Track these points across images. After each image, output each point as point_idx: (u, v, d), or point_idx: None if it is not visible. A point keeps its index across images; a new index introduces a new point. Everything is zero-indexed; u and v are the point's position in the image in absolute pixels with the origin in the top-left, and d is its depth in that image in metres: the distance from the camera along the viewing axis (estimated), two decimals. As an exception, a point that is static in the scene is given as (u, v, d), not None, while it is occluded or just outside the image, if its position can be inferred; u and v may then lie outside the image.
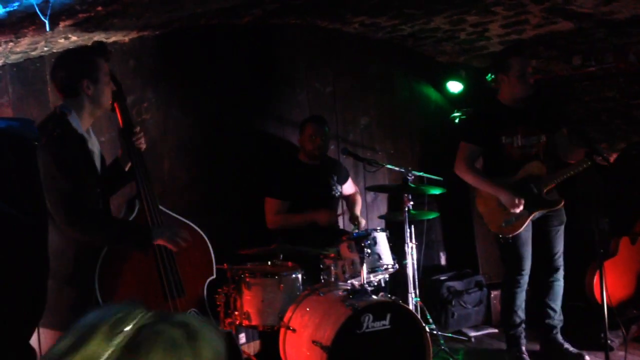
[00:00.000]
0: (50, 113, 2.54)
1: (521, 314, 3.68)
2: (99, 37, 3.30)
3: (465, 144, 3.62)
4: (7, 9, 2.17)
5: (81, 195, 2.39)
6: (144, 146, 2.74)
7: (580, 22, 3.77)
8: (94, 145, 2.56)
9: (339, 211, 4.13)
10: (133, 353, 0.83)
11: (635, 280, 4.33)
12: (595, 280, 4.08)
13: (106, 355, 0.82)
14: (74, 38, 3.13)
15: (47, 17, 2.22)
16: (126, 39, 3.64)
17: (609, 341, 3.14)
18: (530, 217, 3.47)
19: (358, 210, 4.23)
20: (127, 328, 0.85)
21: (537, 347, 3.82)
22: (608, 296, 3.11)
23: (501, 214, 3.49)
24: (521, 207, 3.41)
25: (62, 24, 2.76)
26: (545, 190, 3.45)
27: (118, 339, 0.84)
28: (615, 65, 4.05)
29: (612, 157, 4.48)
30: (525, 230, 3.52)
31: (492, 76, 4.71)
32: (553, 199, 3.46)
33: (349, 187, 4.28)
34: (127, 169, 2.75)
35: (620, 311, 4.05)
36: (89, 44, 2.74)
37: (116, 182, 2.78)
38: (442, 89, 4.99)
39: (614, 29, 3.83)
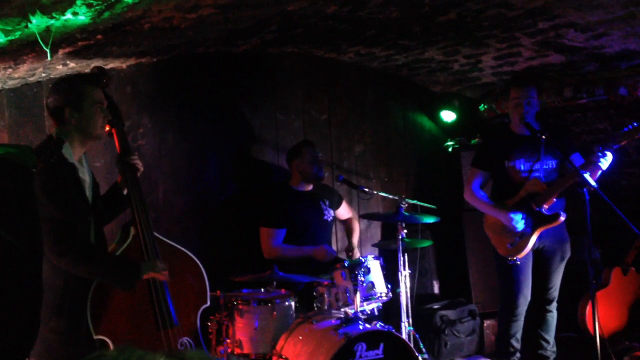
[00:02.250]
0: (45, 139, 2.53)
1: (516, 343, 3.69)
2: (96, 63, 3.33)
3: (472, 169, 3.83)
4: (9, 37, 2.20)
5: (71, 225, 2.38)
6: (141, 168, 2.74)
7: (571, 55, 3.85)
8: (85, 174, 2.55)
9: (333, 236, 4.13)
10: None
11: (628, 311, 4.33)
12: (587, 311, 4.09)
13: None
14: (72, 64, 3.16)
15: (49, 46, 2.24)
16: (124, 65, 3.68)
17: (601, 373, 3.14)
18: (534, 235, 3.50)
19: (355, 239, 4.24)
20: None
21: (530, 377, 3.81)
22: (600, 327, 3.12)
23: (507, 236, 3.56)
24: (521, 225, 3.46)
25: (61, 52, 2.79)
26: (545, 206, 3.48)
27: None
28: (606, 97, 4.12)
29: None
30: (526, 258, 3.56)
31: (485, 106, 4.81)
32: (553, 215, 3.50)
33: (344, 212, 4.29)
34: (125, 193, 2.75)
35: (612, 342, 4.05)
36: (85, 71, 2.76)
37: (115, 208, 2.78)
38: (435, 118, 5.04)
39: (604, 62, 3.90)
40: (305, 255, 3.84)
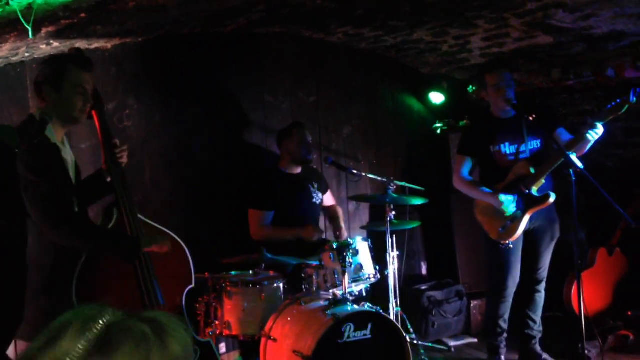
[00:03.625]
0: (26, 118, 2.46)
1: (503, 324, 3.73)
2: (80, 43, 3.28)
3: (458, 156, 3.83)
4: (-11, 15, 2.15)
5: (63, 197, 2.36)
6: (125, 161, 2.73)
7: (559, 36, 3.85)
8: (68, 154, 2.53)
9: (322, 220, 4.14)
10: (103, 348, 0.86)
11: (612, 291, 4.39)
12: (573, 291, 4.14)
13: (77, 350, 0.85)
14: (55, 44, 3.11)
15: (31, 24, 2.20)
16: (108, 45, 3.62)
17: (586, 351, 3.18)
18: (525, 217, 3.52)
19: (341, 222, 4.24)
20: (98, 325, 0.88)
21: (516, 357, 3.86)
22: (585, 307, 3.16)
23: (498, 221, 3.57)
24: (509, 205, 3.48)
25: (44, 30, 2.74)
26: (535, 188, 3.50)
27: (89, 336, 0.86)
28: (593, 79, 4.13)
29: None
30: (517, 240, 3.58)
31: (474, 88, 4.81)
32: (543, 196, 3.51)
33: (328, 198, 4.29)
34: (109, 180, 2.73)
35: (597, 322, 4.11)
36: (67, 51, 2.71)
37: (97, 192, 2.76)
38: (424, 99, 5.03)
39: (592, 43, 3.91)
40: (293, 235, 3.84)
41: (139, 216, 2.67)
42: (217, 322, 3.26)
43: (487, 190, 3.62)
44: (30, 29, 2.24)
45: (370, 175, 4.22)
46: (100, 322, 0.88)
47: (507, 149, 3.62)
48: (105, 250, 2.47)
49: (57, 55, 2.60)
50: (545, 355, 3.72)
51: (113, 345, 0.86)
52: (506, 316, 3.74)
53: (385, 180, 3.95)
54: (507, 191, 3.54)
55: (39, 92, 2.45)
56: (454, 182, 3.81)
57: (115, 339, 0.87)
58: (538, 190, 3.50)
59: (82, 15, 2.65)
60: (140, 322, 0.91)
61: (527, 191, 3.49)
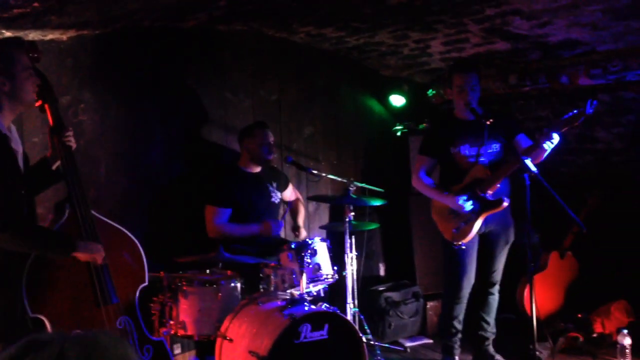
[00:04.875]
0: None
1: (458, 324, 3.78)
2: (34, 34, 3.18)
3: (418, 156, 3.85)
4: None
5: (9, 200, 2.28)
6: (74, 145, 2.65)
7: (516, 42, 3.93)
8: (17, 143, 2.44)
9: (280, 217, 4.12)
10: None
11: (564, 293, 4.51)
12: (525, 294, 4.23)
13: None
14: (8, 34, 3.00)
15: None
16: (64, 37, 3.52)
17: (537, 352, 3.25)
18: (479, 220, 3.56)
19: (301, 220, 4.23)
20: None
21: (469, 357, 3.92)
22: (537, 309, 3.23)
23: (452, 221, 3.61)
24: (465, 205, 3.52)
25: (-5, 19, 2.65)
26: (489, 192, 3.55)
27: None
28: (548, 85, 4.23)
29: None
30: (471, 242, 3.63)
31: (433, 92, 4.87)
32: (497, 200, 3.57)
33: (289, 194, 4.27)
34: (54, 167, 2.65)
35: (548, 324, 4.22)
36: (3, 38, 2.61)
37: (42, 182, 2.67)
38: (385, 102, 5.07)
39: (548, 51, 4.01)
40: (250, 232, 3.80)
41: (93, 212, 2.60)
42: (172, 322, 3.19)
43: (443, 190, 3.67)
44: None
45: (330, 176, 4.22)
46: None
47: (467, 150, 3.67)
48: (40, 249, 2.40)
49: (3, 39, 2.49)
50: (498, 356, 3.79)
51: None
52: (460, 317, 3.79)
53: (345, 181, 3.96)
54: (462, 193, 3.58)
55: None
56: (412, 181, 3.83)
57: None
58: (493, 194, 3.56)
59: (36, 4, 2.57)
60: (74, 346, 0.86)
61: (482, 194, 3.55)
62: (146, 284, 2.73)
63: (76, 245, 2.42)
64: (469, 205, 3.55)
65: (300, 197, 4.38)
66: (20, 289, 2.32)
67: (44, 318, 2.39)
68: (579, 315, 4.26)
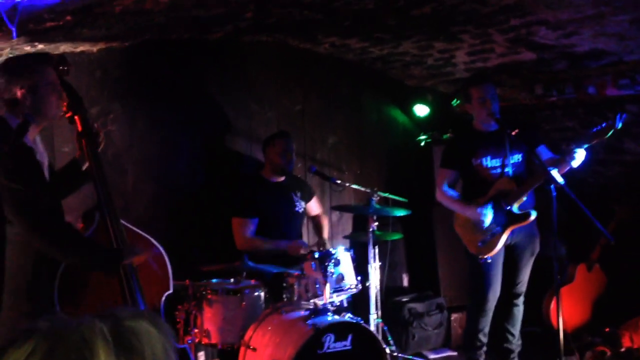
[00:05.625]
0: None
1: (483, 337, 3.74)
2: (65, 46, 3.26)
3: (440, 169, 3.85)
4: (-28, 15, 2.13)
5: (44, 202, 2.33)
6: (102, 144, 2.69)
7: (542, 53, 3.90)
8: (43, 156, 2.49)
9: (304, 228, 4.13)
10: (130, 353, 0.82)
11: (591, 307, 4.43)
12: (552, 306, 4.16)
13: None
14: (40, 46, 3.09)
15: (15, 25, 2.18)
16: (94, 49, 3.60)
17: (564, 366, 3.20)
18: (505, 234, 3.53)
19: (325, 234, 4.23)
20: (108, 335, 0.83)
21: (494, 370, 3.87)
22: (564, 322, 3.19)
23: (478, 235, 3.58)
24: (489, 218, 3.49)
25: (28, 32, 2.72)
26: (516, 205, 3.52)
27: (113, 349, 0.81)
28: (575, 96, 4.18)
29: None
30: (497, 255, 3.59)
31: (457, 102, 4.85)
32: (523, 213, 3.54)
33: (314, 206, 4.28)
34: (84, 168, 2.70)
35: (575, 337, 4.15)
36: (28, 53, 2.67)
37: (72, 182, 2.71)
38: (409, 112, 5.06)
39: (574, 61, 3.97)
40: (278, 248, 3.82)
41: (121, 221, 2.65)
42: (196, 330, 3.22)
43: (467, 202, 3.64)
44: (14, 29, 2.22)
45: (353, 186, 4.22)
46: (105, 333, 0.83)
47: (489, 162, 3.65)
48: (85, 262, 2.44)
49: (20, 57, 2.54)
50: (523, 369, 3.74)
51: (137, 348, 0.83)
52: (486, 330, 3.75)
53: (368, 190, 3.96)
54: (487, 206, 3.55)
55: (12, 98, 2.37)
56: (436, 195, 3.82)
57: (132, 343, 0.83)
58: (519, 207, 3.53)
59: (68, 18, 2.64)
60: (132, 320, 0.87)
61: (508, 207, 3.51)
62: (171, 291, 2.76)
63: (122, 255, 2.46)
64: (490, 218, 3.52)
65: (323, 211, 4.38)
66: (52, 294, 2.36)
67: None
68: (607, 329, 4.18)
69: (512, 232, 3.57)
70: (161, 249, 2.76)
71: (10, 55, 3.20)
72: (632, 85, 3.83)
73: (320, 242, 4.15)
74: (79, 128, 2.65)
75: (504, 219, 3.53)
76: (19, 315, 2.29)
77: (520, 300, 3.75)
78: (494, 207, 3.54)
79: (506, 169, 3.62)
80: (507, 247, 3.65)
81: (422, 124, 5.05)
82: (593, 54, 3.82)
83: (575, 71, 4.09)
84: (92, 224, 2.56)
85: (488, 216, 3.52)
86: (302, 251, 3.81)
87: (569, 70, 4.12)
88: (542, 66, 4.13)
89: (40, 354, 0.79)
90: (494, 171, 3.64)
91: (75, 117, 2.63)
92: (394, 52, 4.37)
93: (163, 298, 2.73)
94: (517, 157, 3.64)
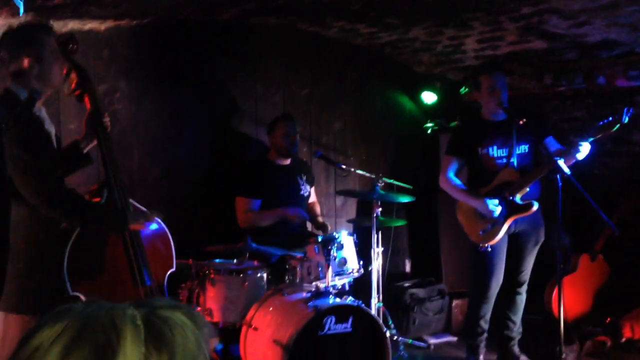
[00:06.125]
0: (4, 92, 2.37)
1: (484, 324, 3.76)
2: (73, 23, 3.26)
3: (446, 156, 3.83)
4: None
5: (56, 175, 2.35)
6: (109, 128, 2.71)
7: (553, 42, 3.87)
8: (50, 125, 2.50)
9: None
10: (160, 344, 0.80)
11: (593, 297, 4.44)
12: (554, 295, 4.17)
13: (141, 353, 0.79)
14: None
15: (22, 1, 2.17)
16: (102, 27, 3.59)
17: (563, 355, 3.21)
18: (506, 224, 3.53)
19: (320, 218, 4.24)
20: (138, 322, 0.81)
21: (494, 357, 3.89)
22: (565, 311, 3.19)
23: (479, 223, 3.58)
24: (494, 209, 3.49)
25: (36, 8, 2.72)
26: (519, 195, 3.52)
27: (141, 337, 0.79)
28: (584, 86, 4.15)
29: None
30: (501, 243, 3.60)
31: (466, 89, 4.82)
32: (526, 204, 3.53)
33: (312, 194, 4.28)
34: (85, 151, 2.72)
35: (576, 327, 4.16)
36: (31, 23, 2.66)
37: (73, 164, 2.73)
38: (416, 98, 5.04)
39: (585, 51, 3.93)
40: (279, 215, 3.84)
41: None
42: (199, 309, 3.25)
43: (472, 192, 3.63)
44: (21, 6, 2.21)
45: (359, 171, 4.22)
46: (137, 320, 0.81)
47: (495, 152, 3.64)
48: (95, 223, 2.47)
49: (24, 26, 2.53)
50: (523, 357, 3.76)
51: (168, 341, 0.80)
52: (487, 316, 3.76)
53: (373, 176, 3.96)
54: (490, 196, 3.54)
55: (18, 67, 2.35)
56: (440, 181, 3.81)
57: (164, 333, 0.81)
58: (522, 197, 3.52)
59: (76, -6, 2.64)
60: (169, 310, 0.85)
61: (511, 197, 3.51)
62: (174, 269, 2.78)
63: (127, 217, 2.49)
64: (497, 209, 3.52)
65: (316, 199, 4.37)
66: (61, 267, 2.38)
67: (82, 297, 2.45)
68: (608, 320, 4.18)
69: (515, 221, 3.57)
70: (165, 227, 2.78)
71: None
72: (643, 76, 3.80)
73: (318, 225, 4.13)
74: (88, 106, 2.66)
75: (506, 209, 3.52)
76: (29, 285, 2.32)
77: (523, 289, 3.76)
78: (497, 198, 3.54)
79: (512, 159, 3.60)
80: (511, 235, 3.65)
81: (430, 112, 5.03)
82: (604, 44, 3.79)
83: (585, 61, 4.06)
84: (101, 200, 2.58)
85: (495, 206, 3.50)
86: (300, 219, 3.82)
87: (579, 60, 4.09)
88: (552, 55, 4.10)
89: (70, 335, 0.79)
90: (500, 161, 3.62)
91: (85, 96, 2.64)
92: (403, 38, 4.34)
93: (167, 276, 2.75)
94: (523, 148, 3.63)
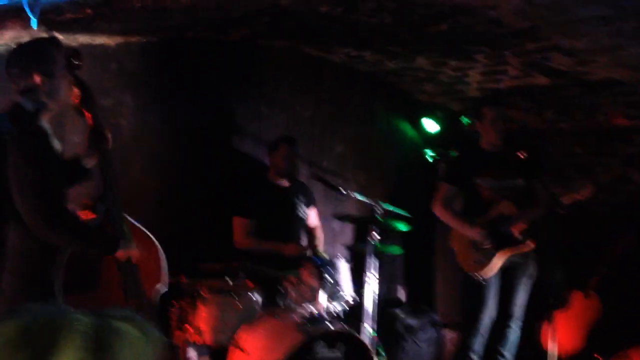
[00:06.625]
0: (11, 105, 2.37)
1: (475, 358, 3.73)
2: (84, 38, 3.30)
3: (442, 184, 3.84)
4: (-4, 2, 2.17)
5: (56, 198, 2.36)
6: (110, 141, 2.73)
7: (555, 78, 3.91)
8: (54, 140, 2.52)
9: (303, 238, 4.14)
10: (104, 354, 0.82)
11: (585, 334, 4.41)
12: (546, 331, 4.15)
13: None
14: (58, 36, 3.12)
15: (36, 15, 2.21)
16: (111, 42, 3.64)
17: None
18: (500, 258, 3.53)
19: (321, 246, 4.23)
20: (86, 332, 0.83)
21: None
22: (557, 347, 3.18)
23: (473, 253, 3.58)
24: (490, 240, 3.49)
25: (48, 22, 2.76)
26: (514, 230, 3.53)
27: (83, 345, 0.81)
28: (585, 123, 4.19)
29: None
30: (494, 276, 3.59)
31: (467, 120, 4.86)
32: (521, 239, 3.54)
33: (313, 217, 4.28)
34: (87, 166, 2.73)
35: (568, 363, 4.13)
36: (42, 38, 2.70)
37: (74, 178, 2.75)
38: (418, 127, 5.08)
39: (587, 88, 3.97)
40: (275, 248, 3.84)
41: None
42: (189, 328, 3.24)
43: (468, 221, 3.64)
44: (35, 20, 2.25)
45: (357, 196, 4.22)
46: (83, 328, 0.83)
47: (492, 183, 3.65)
48: (87, 248, 2.47)
49: (35, 41, 2.56)
50: (513, 392, 3.73)
51: (112, 352, 0.82)
52: (479, 350, 3.74)
53: (372, 202, 3.97)
54: (487, 227, 3.55)
55: (28, 82, 2.37)
56: (434, 208, 3.79)
57: (110, 344, 0.82)
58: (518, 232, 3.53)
59: (88, 10, 2.68)
60: (122, 321, 0.87)
61: (505, 231, 3.52)
62: (165, 289, 2.78)
63: (119, 244, 2.50)
64: (492, 241, 3.52)
65: (320, 225, 4.37)
66: (51, 284, 2.38)
67: None
68: (597, 356, 4.16)
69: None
70: (158, 245, 2.78)
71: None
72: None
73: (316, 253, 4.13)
74: (89, 122, 2.68)
75: (501, 243, 3.53)
76: (23, 300, 2.31)
77: (514, 323, 3.74)
78: (493, 230, 3.54)
79: (507, 192, 3.62)
80: (504, 269, 3.65)
81: (431, 140, 5.05)
82: (606, 83, 3.82)
83: (587, 98, 4.10)
84: (97, 214, 2.59)
85: (490, 238, 3.51)
86: (299, 251, 3.82)
87: (581, 97, 4.12)
88: (555, 91, 4.13)
89: (15, 332, 0.82)
90: (496, 192, 3.63)
91: (86, 112, 2.66)
92: (407, 67, 4.39)
93: (157, 292, 2.75)
94: (520, 181, 3.64)
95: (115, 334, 0.84)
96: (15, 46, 2.49)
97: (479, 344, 3.72)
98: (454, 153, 4.87)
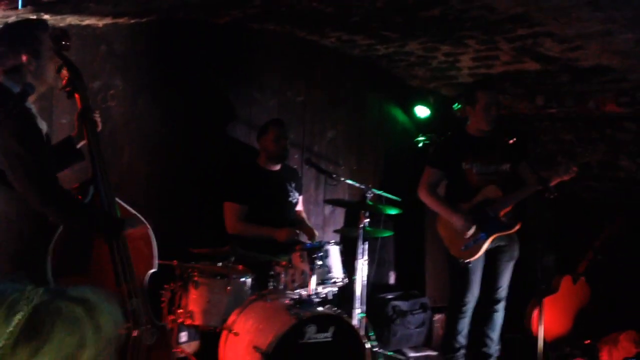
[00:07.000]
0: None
1: (462, 339, 3.78)
2: (72, 19, 3.26)
3: (428, 168, 3.82)
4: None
5: (52, 173, 2.35)
6: (100, 126, 2.71)
7: (546, 64, 3.92)
8: (41, 122, 2.51)
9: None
10: (33, 335, 0.80)
11: (573, 318, 4.47)
12: (534, 315, 4.20)
13: (4, 338, 0.79)
14: (46, 17, 3.08)
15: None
16: (100, 23, 3.60)
17: (540, 374, 3.24)
18: (488, 241, 3.56)
19: (307, 222, 4.24)
20: (23, 308, 0.81)
21: (472, 373, 3.91)
22: (545, 331, 3.22)
23: (460, 238, 3.60)
24: (471, 230, 3.52)
25: (35, 3, 2.72)
26: (501, 214, 3.55)
27: (15, 320, 0.80)
28: (575, 109, 4.21)
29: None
30: (479, 259, 3.62)
31: (459, 106, 4.86)
32: (509, 222, 3.56)
33: (299, 204, 4.28)
34: (79, 147, 2.72)
35: (554, 347, 4.19)
36: (28, 19, 2.67)
37: (65, 160, 2.73)
38: (410, 112, 5.08)
39: (577, 74, 3.98)
40: (267, 233, 3.85)
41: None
42: (180, 311, 3.25)
43: (452, 207, 3.65)
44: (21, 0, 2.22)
45: (348, 181, 4.23)
46: (25, 304, 0.81)
47: (479, 167, 3.66)
48: (89, 226, 2.47)
49: (22, 22, 2.53)
50: (500, 375, 3.79)
51: (44, 332, 0.79)
52: (464, 332, 3.79)
53: (363, 187, 3.98)
54: (473, 212, 3.57)
55: (15, 63, 2.36)
56: (419, 192, 3.80)
57: (45, 323, 0.80)
58: (505, 215, 3.56)
59: (76, -10, 2.64)
60: (70, 302, 0.84)
61: (494, 215, 3.54)
62: (155, 270, 2.78)
63: (125, 225, 2.50)
64: (472, 232, 3.53)
65: (303, 209, 4.37)
66: (44, 263, 2.38)
67: None
68: (587, 342, 4.22)
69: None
70: (149, 227, 2.78)
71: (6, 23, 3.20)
72: (633, 103, 3.86)
73: (307, 231, 4.13)
74: (78, 104, 2.66)
75: (489, 227, 3.55)
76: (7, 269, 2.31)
77: (501, 306, 3.79)
78: (479, 214, 3.56)
79: (494, 177, 3.63)
80: (487, 251, 3.67)
81: (422, 125, 5.06)
82: (597, 70, 3.84)
83: (577, 85, 4.11)
84: (86, 197, 2.58)
85: (472, 229, 3.52)
86: (290, 238, 3.83)
87: (572, 84, 4.13)
88: (545, 77, 4.14)
89: None
90: (482, 177, 3.64)
91: (75, 93, 2.64)
92: (399, 51, 4.37)
93: (148, 276, 2.75)
94: (507, 166, 3.66)
95: (53, 315, 0.82)
96: (1, 26, 2.46)
97: (464, 326, 3.76)
98: (440, 138, 4.89)
